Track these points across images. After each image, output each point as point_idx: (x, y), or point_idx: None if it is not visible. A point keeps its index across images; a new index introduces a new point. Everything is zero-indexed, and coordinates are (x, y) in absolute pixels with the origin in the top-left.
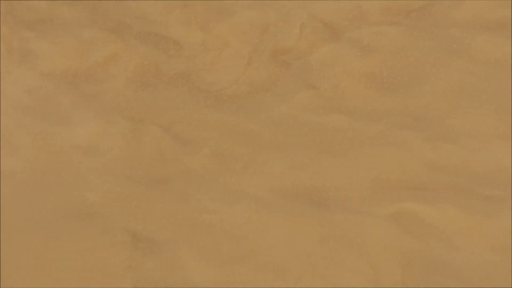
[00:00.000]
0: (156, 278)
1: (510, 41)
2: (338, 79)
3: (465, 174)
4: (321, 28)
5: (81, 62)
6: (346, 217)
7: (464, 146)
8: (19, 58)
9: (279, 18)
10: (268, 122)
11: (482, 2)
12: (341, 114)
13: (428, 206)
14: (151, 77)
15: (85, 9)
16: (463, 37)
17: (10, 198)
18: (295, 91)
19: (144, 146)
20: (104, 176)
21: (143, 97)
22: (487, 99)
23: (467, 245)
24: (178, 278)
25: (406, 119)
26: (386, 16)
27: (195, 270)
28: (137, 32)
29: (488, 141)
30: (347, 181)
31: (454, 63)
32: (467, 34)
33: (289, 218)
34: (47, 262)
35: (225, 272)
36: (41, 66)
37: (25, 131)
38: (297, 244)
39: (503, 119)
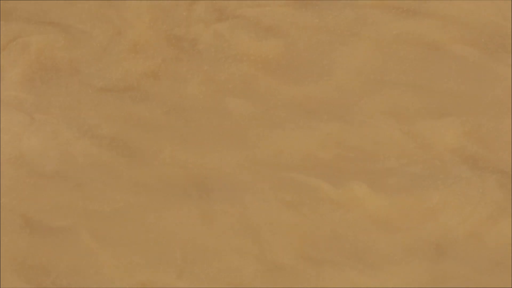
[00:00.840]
0: (46, 260)
1: (414, 21)
2: (234, 64)
3: (365, 151)
4: (215, 11)
5: None
6: (232, 197)
7: (368, 126)
8: None
9: (170, 4)
10: (162, 110)
11: None
12: (238, 99)
13: (326, 183)
14: (44, 69)
15: None
16: (366, 17)
17: None
18: (189, 77)
19: (40, 138)
20: None
21: (38, 89)
22: (394, 78)
23: (362, 221)
24: (69, 262)
25: (309, 103)
26: None
27: (85, 254)
28: (28, 21)
29: (389, 119)
30: (240, 164)
31: (358, 44)
32: (368, 14)
33: (175, 204)
34: None
35: (115, 257)
36: None
37: None
38: (181, 228)
39: (410, 97)
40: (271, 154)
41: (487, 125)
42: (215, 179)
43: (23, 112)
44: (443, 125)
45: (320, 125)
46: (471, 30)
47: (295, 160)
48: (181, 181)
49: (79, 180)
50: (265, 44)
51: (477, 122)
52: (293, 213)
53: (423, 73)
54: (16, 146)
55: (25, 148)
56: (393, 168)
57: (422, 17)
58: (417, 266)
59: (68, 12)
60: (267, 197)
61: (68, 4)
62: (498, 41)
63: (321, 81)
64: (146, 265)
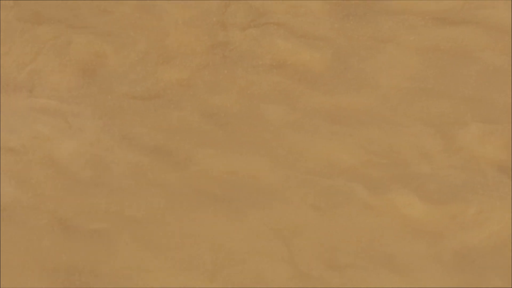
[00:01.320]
0: (78, 261)
1: (452, 28)
2: (270, 70)
3: (402, 158)
4: (251, 17)
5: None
6: (263, 202)
7: (405, 133)
8: None
9: (206, 9)
10: (197, 117)
11: None
12: (273, 105)
13: (360, 189)
14: (81, 75)
15: None
16: (404, 25)
17: None
18: (224, 84)
19: (76, 143)
20: (29, 173)
21: (74, 95)
22: (432, 86)
23: (396, 227)
24: (103, 264)
25: (344, 110)
26: (322, 5)
27: (121, 257)
28: (67, 26)
29: (427, 127)
30: (272, 170)
31: (396, 52)
32: (407, 22)
33: (207, 208)
34: None
35: (149, 261)
36: None
37: None
38: (213, 232)
39: (447, 105)
40: (304, 159)
41: None
42: (248, 184)
43: (59, 117)
44: (481, 133)
45: (355, 132)
46: (510, 38)
47: (328, 165)
48: (213, 186)
49: (114, 185)
50: (301, 51)
51: None
52: (323, 218)
53: (461, 81)
54: (52, 150)
55: (61, 152)
56: (431, 175)
57: (460, 25)
58: (452, 273)
59: (106, 19)
60: (298, 202)
61: (105, 10)
62: None
63: (357, 88)
64: (179, 269)
